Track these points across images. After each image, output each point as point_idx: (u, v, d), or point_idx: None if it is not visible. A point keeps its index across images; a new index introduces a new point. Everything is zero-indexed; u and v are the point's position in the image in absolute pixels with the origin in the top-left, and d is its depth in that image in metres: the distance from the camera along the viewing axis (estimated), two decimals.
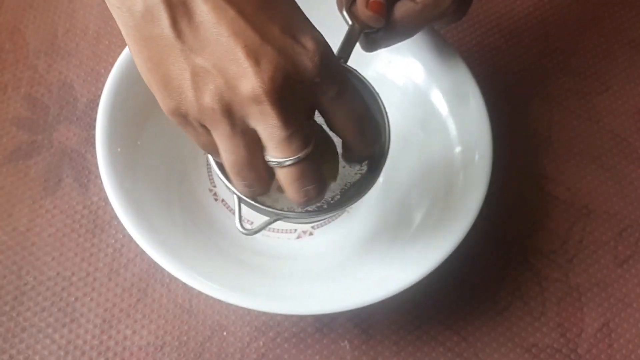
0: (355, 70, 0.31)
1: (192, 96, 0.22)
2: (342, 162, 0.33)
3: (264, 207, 0.29)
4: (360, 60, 0.32)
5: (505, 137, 0.40)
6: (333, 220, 0.39)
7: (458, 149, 0.38)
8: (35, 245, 0.38)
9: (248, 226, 0.30)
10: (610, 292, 0.39)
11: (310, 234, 0.39)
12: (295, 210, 0.31)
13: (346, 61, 0.31)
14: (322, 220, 0.36)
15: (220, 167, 0.30)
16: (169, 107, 0.23)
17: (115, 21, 0.24)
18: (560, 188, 0.42)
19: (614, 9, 0.48)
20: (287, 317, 0.37)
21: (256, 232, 0.30)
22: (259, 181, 0.25)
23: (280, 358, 0.36)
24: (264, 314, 0.37)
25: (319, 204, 0.32)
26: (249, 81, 0.21)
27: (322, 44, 0.23)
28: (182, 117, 0.23)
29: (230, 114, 0.22)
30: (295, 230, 0.39)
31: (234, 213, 0.39)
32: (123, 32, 0.23)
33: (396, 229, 0.38)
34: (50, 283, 0.37)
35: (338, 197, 0.32)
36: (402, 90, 0.40)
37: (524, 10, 0.48)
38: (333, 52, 0.24)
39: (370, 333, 0.37)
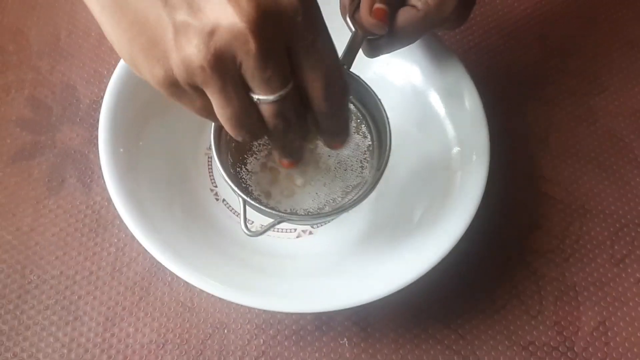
0: (359, 77, 0.32)
1: (177, 57, 0.22)
2: (344, 164, 0.34)
3: (268, 210, 0.30)
4: (359, 62, 0.33)
5: (502, 138, 0.40)
6: (332, 220, 0.40)
7: (456, 149, 0.38)
8: (38, 244, 0.39)
9: (252, 228, 0.30)
10: (607, 291, 0.39)
11: (310, 233, 0.39)
12: (298, 213, 0.32)
13: (349, 68, 0.32)
14: (324, 222, 0.36)
15: (226, 169, 0.30)
16: (158, 77, 0.23)
17: None
18: (557, 188, 0.42)
19: (612, 11, 0.49)
20: (287, 315, 0.37)
21: (261, 234, 0.30)
22: (257, 123, 0.25)
23: (281, 355, 0.36)
24: (265, 312, 0.37)
25: (320, 207, 0.32)
26: (229, 18, 0.21)
27: None
28: (173, 85, 0.23)
29: (217, 64, 0.22)
30: (295, 229, 0.39)
31: (235, 213, 0.39)
32: (98, 10, 0.23)
33: (394, 228, 0.38)
34: (53, 282, 0.38)
35: (339, 199, 0.32)
36: (401, 91, 0.41)
37: (522, 11, 0.48)
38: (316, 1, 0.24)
39: (369, 331, 0.37)
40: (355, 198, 0.31)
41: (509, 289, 0.39)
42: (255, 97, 0.24)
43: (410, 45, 0.40)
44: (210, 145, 0.30)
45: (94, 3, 0.23)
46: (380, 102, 0.31)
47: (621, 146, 0.44)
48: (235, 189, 0.30)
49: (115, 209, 0.34)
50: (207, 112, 0.25)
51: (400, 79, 0.41)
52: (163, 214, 0.36)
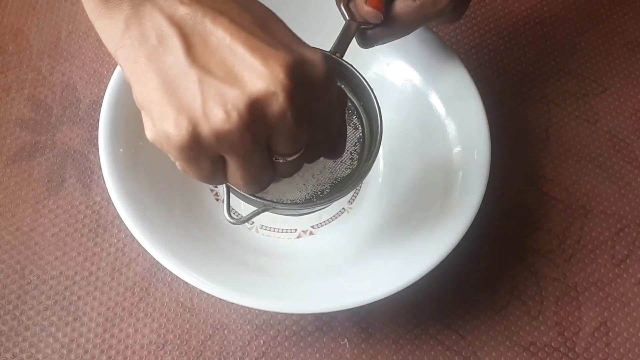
0: (351, 65, 0.31)
1: (207, 120, 0.22)
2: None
3: (252, 197, 0.29)
4: (360, 62, 0.33)
5: (503, 138, 0.40)
6: (333, 220, 0.40)
7: (456, 150, 0.38)
8: (38, 244, 0.39)
9: (234, 215, 0.30)
10: (608, 292, 0.39)
11: (311, 233, 0.39)
12: (284, 202, 0.31)
13: (342, 56, 0.31)
14: (310, 212, 0.35)
15: None
16: (181, 133, 0.22)
17: None
18: (558, 188, 0.42)
19: (612, 11, 0.49)
20: (287, 316, 0.37)
21: (244, 221, 0.30)
22: (269, 179, 0.26)
23: (281, 356, 0.36)
24: (265, 312, 0.37)
25: (308, 198, 0.32)
26: (268, 87, 0.21)
27: (322, 55, 0.23)
28: (193, 148, 0.22)
29: (250, 130, 0.22)
30: (296, 230, 0.39)
31: (235, 213, 0.39)
32: (129, 65, 0.23)
33: (395, 228, 0.38)
34: (53, 282, 0.38)
35: (328, 190, 0.32)
36: (401, 91, 0.41)
37: (522, 12, 0.48)
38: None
39: (369, 331, 0.37)
40: (343, 189, 0.31)
41: (510, 289, 0.39)
42: (279, 157, 0.24)
43: (411, 45, 0.40)
44: None
45: (127, 57, 0.23)
46: (373, 92, 0.31)
47: (622, 146, 0.44)
48: None
49: (115, 209, 0.34)
50: (213, 178, 0.24)
51: (401, 79, 0.41)
52: (163, 215, 0.36)
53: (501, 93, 0.45)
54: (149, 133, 0.24)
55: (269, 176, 0.25)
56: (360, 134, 0.33)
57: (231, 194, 0.30)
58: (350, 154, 0.33)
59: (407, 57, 0.40)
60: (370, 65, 0.41)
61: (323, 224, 0.40)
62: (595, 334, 0.38)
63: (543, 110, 0.45)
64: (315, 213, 0.39)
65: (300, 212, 0.34)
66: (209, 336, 0.37)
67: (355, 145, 0.33)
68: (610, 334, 0.38)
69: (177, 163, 0.24)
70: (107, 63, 0.44)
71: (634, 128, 0.44)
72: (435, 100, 0.39)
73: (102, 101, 0.36)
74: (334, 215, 0.40)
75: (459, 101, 0.39)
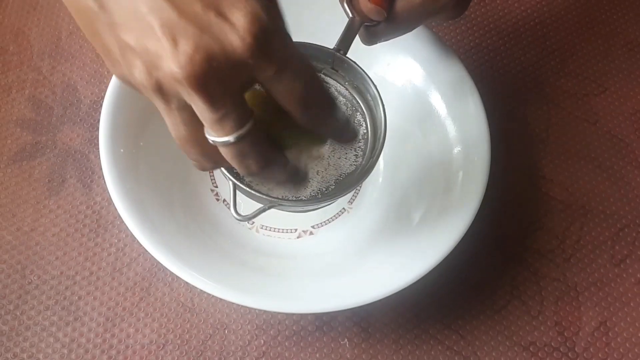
0: (354, 62, 0.31)
1: (126, 71, 0.22)
2: (338, 152, 0.34)
3: (258, 194, 0.29)
4: (360, 63, 0.33)
5: (503, 138, 0.40)
6: (333, 220, 0.40)
7: (456, 150, 0.38)
8: (39, 244, 0.39)
9: (242, 213, 0.30)
10: (608, 291, 0.39)
11: (311, 233, 0.39)
12: (290, 199, 0.31)
13: (345, 53, 0.31)
14: (316, 208, 0.35)
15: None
16: (116, 76, 0.23)
17: None
18: (557, 188, 0.42)
19: (611, 12, 0.49)
20: (287, 316, 0.37)
21: (250, 218, 0.30)
22: (205, 156, 0.24)
23: (281, 356, 0.36)
24: (265, 312, 0.37)
25: (313, 193, 0.32)
26: (168, 63, 0.20)
27: (257, 19, 0.20)
28: (157, 89, 0.22)
29: (161, 91, 0.21)
30: (296, 230, 0.39)
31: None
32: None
33: (395, 228, 0.38)
34: (54, 282, 0.38)
35: (333, 187, 0.32)
36: (401, 91, 0.41)
37: (522, 12, 0.48)
38: (276, 24, 0.21)
39: (369, 331, 0.37)
40: (347, 186, 0.31)
41: (510, 289, 0.39)
42: (210, 138, 0.23)
43: (411, 45, 0.40)
44: None
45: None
46: (376, 88, 0.31)
47: (621, 146, 0.44)
48: (226, 172, 0.30)
49: (116, 209, 0.34)
50: (190, 133, 0.23)
51: (401, 79, 0.41)
52: (163, 215, 0.36)
53: (501, 93, 0.45)
54: (112, 70, 0.23)
55: (206, 152, 0.24)
56: (365, 131, 0.33)
57: (237, 192, 0.30)
58: (355, 151, 0.33)
59: (407, 57, 0.40)
60: (371, 65, 0.41)
61: (323, 223, 0.40)
62: (595, 334, 0.38)
63: (543, 110, 0.45)
64: (315, 213, 0.40)
65: (305, 208, 0.33)
66: (209, 336, 0.37)
67: (359, 141, 0.33)
68: (610, 334, 0.38)
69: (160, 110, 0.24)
70: None
71: (634, 128, 0.44)
72: (435, 100, 0.40)
73: (102, 101, 0.36)
74: (334, 215, 0.40)
75: (458, 101, 0.39)
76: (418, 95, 0.40)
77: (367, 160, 0.31)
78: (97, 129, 0.36)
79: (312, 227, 0.39)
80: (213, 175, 0.40)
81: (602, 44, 0.47)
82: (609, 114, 0.45)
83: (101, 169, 0.35)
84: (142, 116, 0.38)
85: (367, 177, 0.31)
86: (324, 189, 0.32)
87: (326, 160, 0.33)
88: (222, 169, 0.30)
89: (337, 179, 0.33)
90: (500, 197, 0.40)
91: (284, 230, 0.39)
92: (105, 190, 0.35)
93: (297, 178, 0.30)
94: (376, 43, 0.33)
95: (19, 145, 0.41)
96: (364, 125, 0.33)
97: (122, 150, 0.36)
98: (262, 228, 0.39)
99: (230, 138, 0.22)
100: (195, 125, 0.23)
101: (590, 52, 0.47)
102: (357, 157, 0.33)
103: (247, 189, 0.29)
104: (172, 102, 0.22)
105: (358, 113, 0.33)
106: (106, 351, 0.36)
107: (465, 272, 0.39)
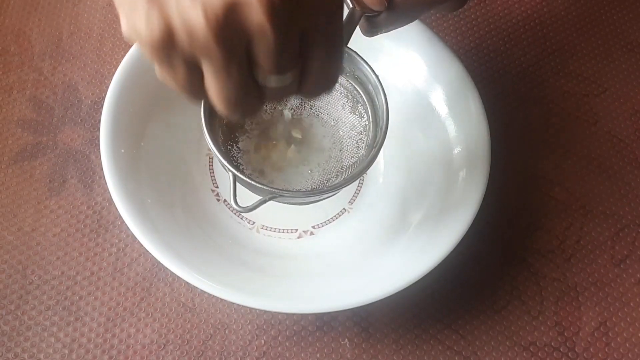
0: (355, 52, 0.31)
1: (179, 15, 0.20)
2: (339, 144, 0.33)
3: (259, 185, 0.29)
4: None
5: (503, 138, 0.40)
6: (333, 220, 0.40)
7: (457, 150, 0.38)
8: (40, 244, 0.39)
9: (241, 204, 0.29)
10: (608, 292, 0.39)
11: (311, 233, 0.39)
12: (290, 189, 0.31)
13: (346, 44, 0.31)
14: (317, 200, 0.35)
15: (217, 145, 0.30)
16: (153, 30, 0.20)
17: (118, 24, 0.24)
18: (558, 188, 0.42)
19: (611, 12, 0.49)
20: (288, 316, 0.37)
21: (250, 210, 0.29)
22: (255, 103, 0.24)
23: (282, 356, 0.36)
24: (266, 312, 0.37)
25: (314, 186, 0.32)
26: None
27: None
28: (167, 46, 0.21)
29: (226, 37, 0.20)
30: (296, 230, 0.39)
31: (236, 213, 0.39)
32: None
33: (395, 229, 0.38)
34: (55, 282, 0.38)
35: (334, 179, 0.32)
36: (402, 92, 0.41)
37: (522, 13, 0.48)
38: None
39: (370, 331, 0.37)
40: (348, 177, 0.31)
41: (510, 289, 0.39)
42: (261, 78, 0.22)
43: (412, 46, 0.40)
44: (200, 120, 0.29)
45: None
46: (377, 77, 0.31)
47: (621, 147, 0.44)
48: (225, 163, 0.29)
49: (117, 209, 0.34)
50: (190, 87, 0.22)
51: (402, 80, 0.41)
52: (164, 215, 0.36)
53: (501, 93, 0.45)
54: (123, 28, 0.22)
55: (251, 98, 0.23)
56: (366, 122, 0.33)
57: (237, 184, 0.29)
58: (356, 143, 0.33)
59: (407, 58, 0.40)
60: (371, 66, 0.41)
61: (324, 224, 0.40)
62: (595, 334, 0.38)
63: (543, 110, 0.45)
64: (316, 213, 0.40)
65: (307, 200, 0.33)
66: (210, 336, 0.37)
67: (360, 134, 0.33)
68: (609, 334, 0.38)
69: (155, 69, 0.23)
70: (109, 64, 0.44)
71: (634, 129, 0.45)
72: (435, 101, 0.40)
73: (103, 102, 0.36)
74: (335, 216, 0.40)
75: (459, 102, 0.39)
76: (418, 95, 0.40)
77: (369, 151, 0.31)
78: (98, 129, 0.36)
79: (313, 227, 0.39)
80: (214, 176, 0.41)
81: (602, 45, 0.47)
82: (608, 115, 0.45)
83: (102, 169, 0.35)
84: (143, 116, 0.38)
85: (369, 168, 0.30)
86: (325, 181, 0.32)
87: (327, 152, 0.33)
88: (223, 160, 0.29)
89: (339, 171, 0.32)
90: (500, 197, 0.40)
91: (285, 231, 0.39)
92: (106, 190, 0.35)
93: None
94: (377, 34, 0.32)
95: (20, 146, 0.41)
96: (365, 117, 0.33)
97: (122, 150, 0.36)
98: (262, 228, 0.39)
99: (288, 75, 0.22)
100: (248, 72, 0.22)
101: (590, 53, 0.47)
102: (358, 149, 0.32)
103: (248, 180, 0.29)
104: (234, 53, 0.21)
105: (359, 105, 0.33)
106: (107, 351, 0.36)
107: (466, 272, 0.39)
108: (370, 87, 0.32)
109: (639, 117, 0.45)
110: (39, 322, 0.37)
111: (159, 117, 0.39)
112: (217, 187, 0.40)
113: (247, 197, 0.30)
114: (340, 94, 0.34)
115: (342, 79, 0.33)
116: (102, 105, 0.36)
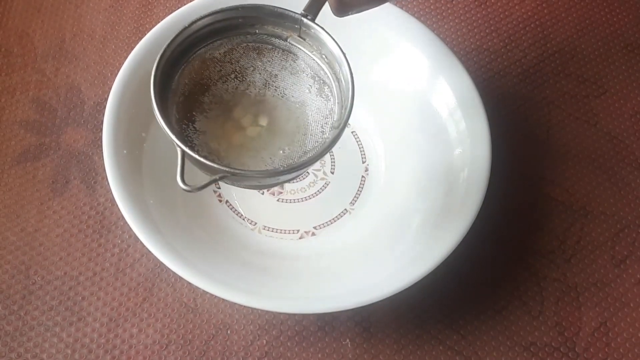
0: (322, 28, 0.30)
1: None
2: (303, 128, 0.31)
3: (208, 163, 0.28)
4: (361, 65, 0.33)
5: (503, 140, 0.40)
6: (335, 221, 0.40)
7: (457, 151, 0.38)
8: (43, 245, 0.39)
9: (189, 183, 0.28)
10: (608, 292, 0.39)
11: (313, 234, 0.39)
12: (243, 169, 0.29)
13: (314, 19, 0.30)
14: (274, 184, 0.33)
15: (168, 122, 0.28)
16: None
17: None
18: (558, 189, 0.42)
19: (611, 14, 0.49)
20: (290, 316, 0.37)
21: (199, 189, 0.27)
22: None
23: (283, 356, 0.37)
24: (267, 312, 0.37)
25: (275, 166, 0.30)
26: None
27: None
28: None
29: None
30: (298, 230, 0.39)
31: (238, 214, 0.40)
32: None
33: (396, 229, 0.38)
34: (57, 282, 0.38)
35: (293, 162, 0.31)
36: (402, 94, 0.41)
37: (522, 14, 0.48)
38: None
39: (371, 331, 0.37)
40: (308, 158, 0.29)
41: (511, 290, 0.39)
42: None
43: (412, 47, 0.40)
44: (149, 92, 0.28)
45: None
46: (345, 57, 0.29)
47: (621, 148, 0.44)
48: (174, 138, 0.28)
49: (119, 210, 0.34)
50: None
51: (402, 82, 0.41)
52: (166, 216, 0.36)
53: (501, 95, 0.45)
54: None
55: None
56: (332, 106, 0.31)
57: (186, 160, 0.28)
58: (322, 127, 0.31)
59: (407, 59, 0.41)
60: (372, 67, 0.41)
61: (325, 224, 0.40)
62: (595, 334, 0.38)
63: (543, 111, 0.45)
64: (317, 213, 0.40)
65: (262, 182, 0.31)
66: (212, 336, 0.37)
67: (326, 117, 0.31)
68: (610, 334, 0.38)
69: None
70: (111, 65, 0.45)
71: (634, 129, 0.45)
72: (435, 102, 0.40)
73: (106, 103, 0.36)
74: (336, 216, 0.40)
75: (459, 103, 0.39)
76: (418, 97, 0.40)
77: (333, 133, 0.29)
78: (101, 130, 0.36)
79: (314, 228, 0.40)
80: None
81: (602, 46, 0.48)
82: (608, 116, 0.45)
83: (104, 170, 0.35)
84: (146, 117, 0.38)
85: (328, 151, 0.29)
86: (287, 166, 0.30)
87: (290, 136, 0.31)
88: (172, 135, 0.28)
89: (301, 156, 0.31)
90: (501, 198, 0.40)
91: (286, 231, 0.39)
92: (109, 191, 0.35)
93: None
94: (348, 14, 0.30)
95: (22, 147, 0.42)
96: (331, 100, 0.31)
97: (125, 151, 0.36)
98: (264, 229, 0.39)
99: None
100: None
101: (590, 54, 0.47)
102: (323, 134, 0.31)
103: (197, 157, 0.27)
104: None
105: (326, 86, 0.31)
106: (109, 351, 0.36)
107: (466, 272, 0.39)
108: (337, 66, 0.30)
109: (639, 118, 0.45)
110: (41, 323, 0.37)
111: None
112: (219, 187, 0.40)
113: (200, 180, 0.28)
114: (307, 75, 0.32)
115: (308, 59, 0.32)
116: (104, 107, 0.36)
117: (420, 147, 0.40)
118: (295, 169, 0.29)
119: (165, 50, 0.30)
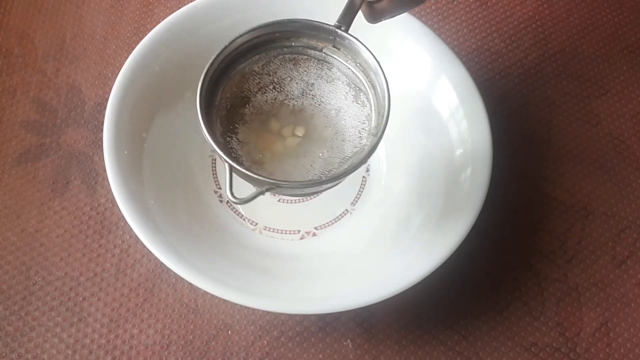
0: (357, 39, 0.31)
1: None
2: (341, 134, 0.32)
3: (255, 176, 0.29)
4: None
5: (505, 140, 0.40)
6: (336, 221, 0.40)
7: (459, 151, 0.38)
8: (43, 246, 0.39)
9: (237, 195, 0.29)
10: (609, 292, 0.39)
11: (314, 234, 0.39)
12: (288, 181, 0.30)
13: (347, 30, 0.31)
14: (315, 192, 0.34)
15: (213, 137, 0.29)
16: None
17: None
18: (559, 190, 0.42)
19: (612, 14, 0.49)
20: (290, 317, 0.37)
21: (247, 201, 0.29)
22: None
23: (284, 356, 0.37)
24: (268, 313, 0.37)
25: (315, 177, 0.31)
26: None
27: None
28: None
29: None
30: (299, 231, 0.39)
31: (239, 214, 0.40)
32: None
33: (398, 230, 0.38)
34: (58, 283, 0.38)
35: (335, 170, 0.32)
36: (403, 94, 0.41)
37: (523, 15, 0.48)
38: None
39: (372, 332, 0.37)
40: (349, 166, 0.30)
41: (512, 290, 0.39)
42: None
43: (413, 48, 0.40)
44: (196, 110, 0.29)
45: None
46: (380, 66, 0.30)
47: (622, 148, 0.44)
48: (221, 153, 0.29)
49: (120, 211, 0.34)
50: None
51: (404, 82, 0.41)
52: (167, 216, 0.36)
53: (503, 95, 0.45)
54: None
55: None
56: (369, 112, 0.32)
57: (234, 175, 0.29)
58: (358, 132, 0.32)
59: (408, 60, 0.41)
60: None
61: (326, 225, 0.40)
62: (596, 335, 0.38)
63: (544, 112, 0.45)
64: (318, 214, 0.40)
65: (305, 191, 0.33)
66: (212, 337, 0.37)
67: (363, 123, 0.32)
68: (611, 335, 0.38)
69: None
70: (112, 65, 0.45)
71: (635, 130, 0.45)
72: (437, 102, 0.40)
73: (106, 103, 0.36)
74: (337, 217, 0.40)
75: (460, 104, 0.39)
76: (420, 97, 0.40)
77: (372, 140, 0.31)
78: (101, 130, 0.36)
79: (315, 228, 0.40)
80: (216, 177, 0.41)
81: (603, 47, 0.48)
82: (610, 116, 0.45)
83: (105, 170, 0.35)
84: (146, 118, 0.38)
85: (369, 157, 0.30)
86: (327, 172, 0.31)
87: (329, 143, 0.32)
88: (219, 152, 0.29)
89: (341, 162, 0.32)
90: (502, 198, 0.40)
91: (287, 232, 0.39)
92: (109, 191, 0.35)
93: None
94: (380, 21, 0.31)
95: (23, 147, 0.42)
96: (367, 105, 0.32)
97: (125, 152, 0.36)
98: (265, 229, 0.39)
99: None
100: None
101: (591, 55, 0.47)
102: (360, 139, 0.32)
103: (244, 171, 0.29)
104: None
105: (362, 93, 0.32)
106: (110, 352, 0.36)
107: (467, 273, 0.39)
108: (372, 74, 0.31)
109: None
110: (42, 323, 0.37)
111: (161, 119, 0.39)
112: (219, 188, 0.40)
113: (246, 190, 0.30)
114: (342, 82, 0.33)
115: (343, 67, 0.33)
116: (105, 107, 0.36)
117: (422, 147, 0.40)
118: (337, 177, 0.30)
119: (208, 70, 0.31)
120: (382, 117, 0.30)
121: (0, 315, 0.37)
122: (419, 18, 0.41)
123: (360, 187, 0.41)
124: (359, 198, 0.41)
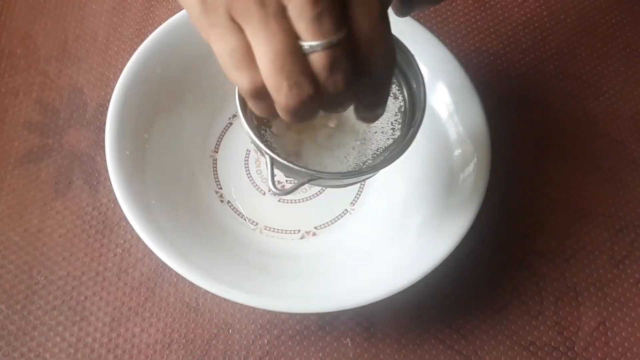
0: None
1: None
2: (375, 126, 0.32)
3: (297, 168, 0.29)
4: None
5: (503, 141, 0.40)
6: (335, 221, 0.40)
7: (457, 152, 0.39)
8: (46, 245, 0.39)
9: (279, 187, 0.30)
10: (607, 292, 0.40)
11: (314, 234, 0.40)
12: (329, 171, 0.30)
13: None
14: (354, 183, 0.34)
15: (252, 129, 0.29)
16: None
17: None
18: (557, 190, 0.43)
19: (610, 15, 0.49)
20: (291, 316, 0.38)
21: (289, 192, 0.29)
22: (304, 75, 0.22)
23: (285, 355, 0.37)
24: (269, 312, 0.38)
25: (350, 168, 0.31)
26: None
27: None
28: (210, 10, 0.22)
29: None
30: (299, 231, 0.40)
31: (239, 214, 0.40)
32: None
33: (397, 229, 0.39)
34: (60, 282, 0.38)
35: (370, 161, 0.32)
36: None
37: (521, 16, 0.49)
38: None
39: (372, 331, 0.38)
40: (388, 156, 0.30)
41: (510, 289, 0.39)
42: (304, 44, 0.22)
43: (412, 49, 0.41)
44: (236, 105, 0.29)
45: None
46: (413, 57, 0.30)
47: (620, 149, 0.44)
48: (262, 146, 0.29)
49: (122, 210, 0.34)
50: (241, 55, 0.22)
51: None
52: (168, 216, 0.36)
53: (501, 96, 0.45)
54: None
55: (301, 67, 0.22)
56: (401, 104, 0.32)
57: (275, 168, 0.29)
58: (392, 124, 0.32)
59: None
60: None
61: (326, 225, 0.40)
62: (594, 334, 0.38)
63: (542, 113, 0.45)
64: (318, 214, 0.40)
65: (345, 182, 0.32)
66: (213, 335, 0.37)
67: (396, 115, 0.32)
68: (608, 334, 0.38)
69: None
70: (114, 67, 0.45)
71: (633, 130, 0.45)
72: (436, 103, 0.40)
73: (108, 104, 0.37)
74: (337, 217, 0.40)
75: (459, 104, 0.39)
76: None
77: (407, 131, 0.30)
78: (103, 131, 0.36)
79: (315, 228, 0.40)
80: (217, 177, 0.41)
81: (601, 48, 0.48)
82: (607, 117, 0.45)
83: (107, 170, 0.35)
84: (148, 119, 0.38)
85: (408, 147, 0.30)
86: (362, 164, 0.32)
87: (362, 135, 0.32)
88: (260, 144, 0.29)
89: (375, 154, 0.32)
90: (500, 198, 0.40)
91: (288, 232, 0.40)
92: (111, 191, 0.35)
93: (378, 99, 0.26)
94: (410, 14, 0.31)
95: (26, 148, 0.42)
96: (400, 98, 0.32)
97: (127, 152, 0.36)
98: (265, 229, 0.40)
99: (329, 39, 0.21)
100: (291, 32, 0.22)
101: (589, 56, 0.47)
102: (394, 131, 0.32)
103: (287, 163, 0.29)
104: (270, 7, 0.21)
105: (394, 85, 0.32)
106: (112, 350, 0.36)
107: (466, 272, 0.39)
108: (404, 65, 0.31)
109: (638, 119, 0.45)
110: (44, 322, 0.37)
111: (163, 120, 0.39)
112: (220, 188, 0.41)
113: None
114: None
115: None
116: (107, 108, 0.37)
117: (420, 147, 0.40)
118: (376, 167, 0.30)
119: None
120: (419, 108, 0.30)
121: (3, 314, 0.37)
122: (417, 19, 0.41)
123: (360, 187, 0.41)
124: (358, 198, 0.41)
